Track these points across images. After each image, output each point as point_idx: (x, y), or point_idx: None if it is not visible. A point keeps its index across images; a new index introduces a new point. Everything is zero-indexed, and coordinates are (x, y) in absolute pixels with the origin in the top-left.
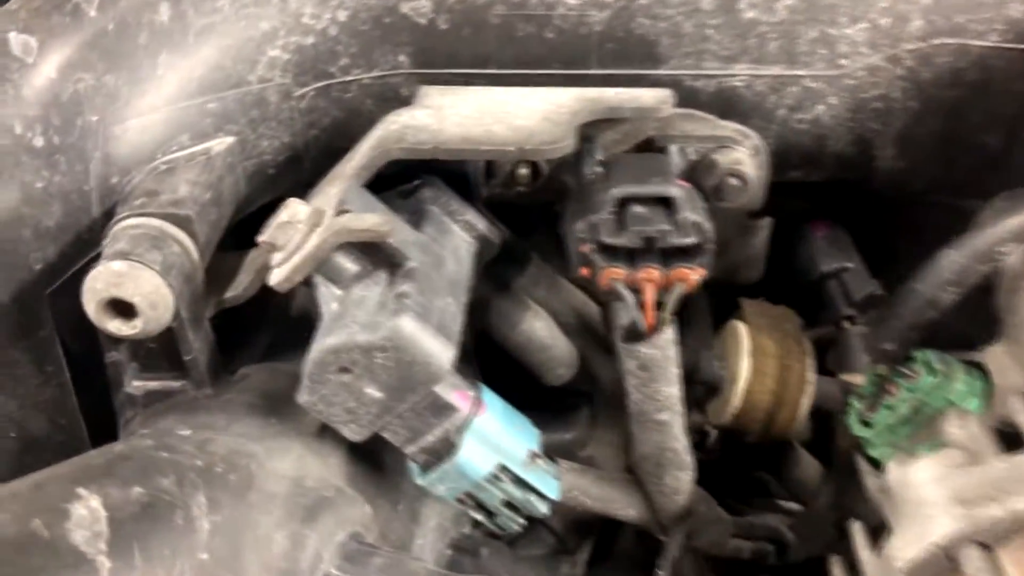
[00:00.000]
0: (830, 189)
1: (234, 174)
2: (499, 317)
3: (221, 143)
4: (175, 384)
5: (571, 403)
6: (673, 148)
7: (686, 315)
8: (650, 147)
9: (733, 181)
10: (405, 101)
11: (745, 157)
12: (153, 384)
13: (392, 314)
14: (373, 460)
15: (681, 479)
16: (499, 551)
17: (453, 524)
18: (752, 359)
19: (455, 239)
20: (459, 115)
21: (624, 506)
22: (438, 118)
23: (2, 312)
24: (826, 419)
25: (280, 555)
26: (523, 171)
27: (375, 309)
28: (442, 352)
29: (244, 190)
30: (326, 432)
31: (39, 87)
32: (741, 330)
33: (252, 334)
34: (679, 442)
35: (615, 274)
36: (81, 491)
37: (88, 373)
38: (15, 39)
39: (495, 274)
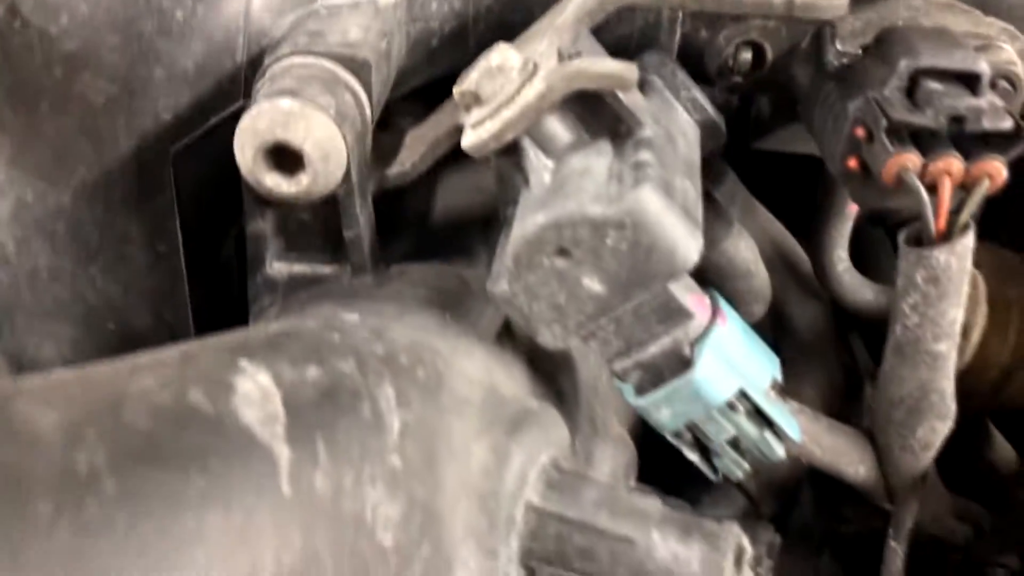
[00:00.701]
0: None
1: (401, 33)
2: None
3: None
4: (327, 269)
5: None
6: None
7: None
8: None
9: (1004, 84)
10: None
11: (1016, 58)
12: (301, 267)
13: (633, 183)
14: (552, 382)
15: (937, 431)
16: (679, 509)
17: (624, 474)
18: (990, 309)
19: (681, 118)
20: None
21: (854, 462)
22: None
23: (120, 168)
24: None
25: (480, 471)
26: (744, 56)
27: (605, 181)
28: (689, 238)
29: (405, 58)
30: (506, 340)
31: None
32: (976, 276)
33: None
34: (948, 383)
35: (908, 162)
36: (244, 364)
37: (204, 263)
38: None
39: None
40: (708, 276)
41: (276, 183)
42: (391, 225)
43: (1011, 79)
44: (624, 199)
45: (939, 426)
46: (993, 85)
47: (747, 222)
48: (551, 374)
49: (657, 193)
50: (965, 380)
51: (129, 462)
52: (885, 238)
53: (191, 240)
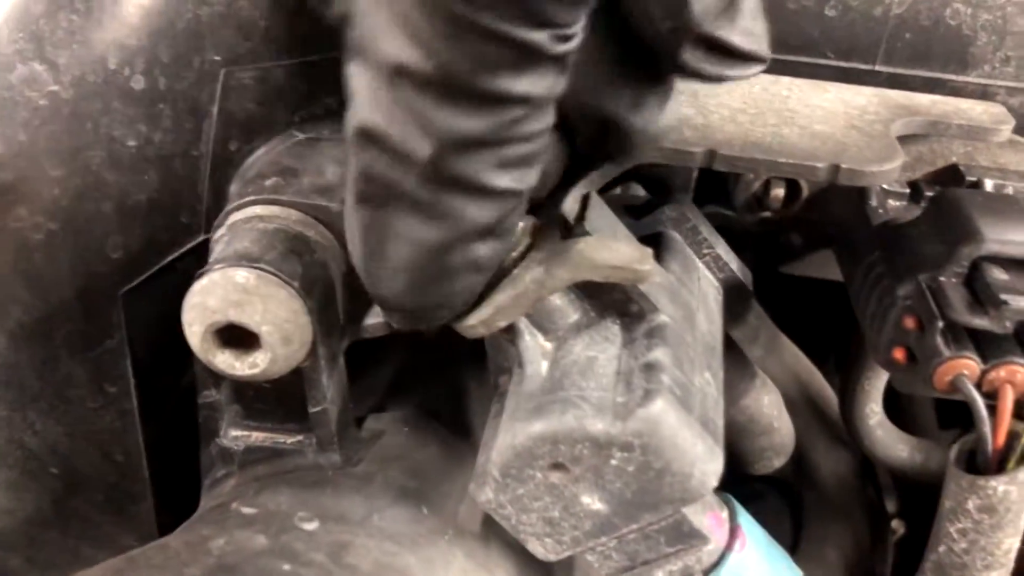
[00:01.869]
0: None
1: None
2: None
3: None
4: (288, 440)
5: (758, 494)
6: (989, 185)
7: None
8: (952, 179)
9: None
10: None
11: None
12: (258, 437)
13: (643, 396)
14: (542, 572)
15: None
16: None
17: None
18: None
19: (703, 283)
20: (727, 108)
21: None
22: (698, 107)
23: (62, 311)
24: None
25: None
26: (777, 191)
27: (612, 382)
28: (709, 460)
29: None
30: (491, 531)
31: (147, 6)
32: None
33: (370, 364)
34: None
35: (964, 368)
36: None
37: (160, 402)
38: None
39: None
40: (728, 434)
41: (229, 365)
42: (373, 348)
43: None
44: (633, 416)
45: None
46: None
47: (771, 360)
48: (544, 564)
49: (672, 408)
50: None
51: None
52: None
53: (145, 378)
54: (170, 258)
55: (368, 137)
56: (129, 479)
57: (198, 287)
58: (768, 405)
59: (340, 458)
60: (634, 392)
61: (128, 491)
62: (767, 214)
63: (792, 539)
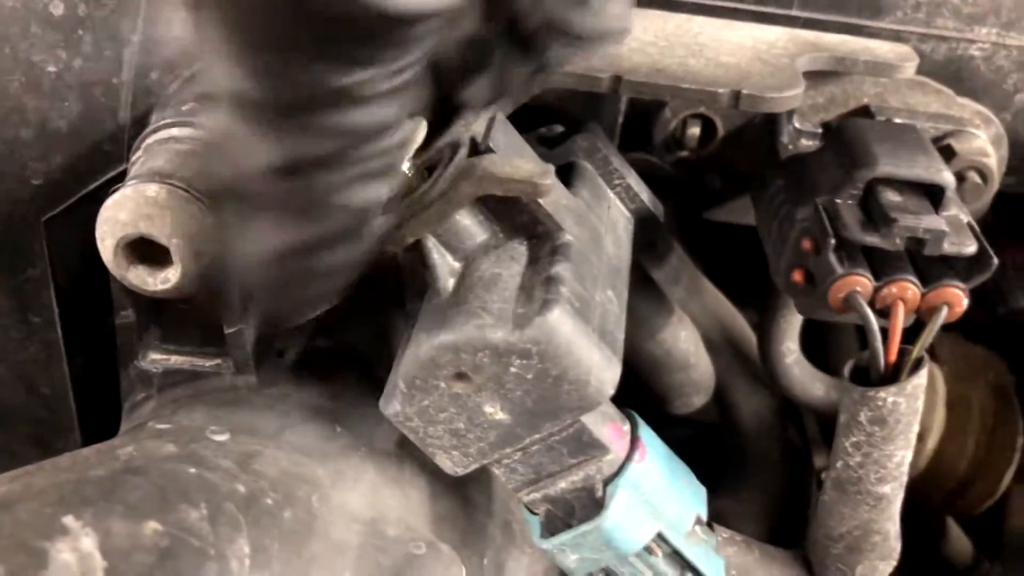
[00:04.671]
0: None
1: None
2: (634, 321)
3: None
4: (206, 363)
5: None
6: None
7: None
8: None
9: (975, 177)
10: None
11: (988, 147)
12: (177, 360)
13: (541, 306)
14: (458, 492)
15: (879, 570)
16: None
17: None
18: (949, 412)
19: (613, 211)
20: (637, 40)
21: None
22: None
23: None
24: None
25: None
26: (693, 130)
27: (513, 296)
28: (605, 368)
29: None
30: (404, 450)
31: None
32: (936, 374)
33: None
34: (893, 524)
35: (857, 284)
36: (69, 522)
37: (85, 331)
38: None
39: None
40: (645, 367)
41: (141, 279)
42: None
43: (982, 171)
44: (531, 324)
45: (881, 566)
46: (961, 178)
47: (693, 301)
48: (459, 482)
49: (568, 317)
50: (919, 488)
51: None
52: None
53: (70, 309)
54: (92, 186)
55: (215, 148)
56: (55, 412)
57: (110, 202)
58: (685, 340)
59: (255, 379)
60: (533, 303)
61: (54, 424)
62: (685, 154)
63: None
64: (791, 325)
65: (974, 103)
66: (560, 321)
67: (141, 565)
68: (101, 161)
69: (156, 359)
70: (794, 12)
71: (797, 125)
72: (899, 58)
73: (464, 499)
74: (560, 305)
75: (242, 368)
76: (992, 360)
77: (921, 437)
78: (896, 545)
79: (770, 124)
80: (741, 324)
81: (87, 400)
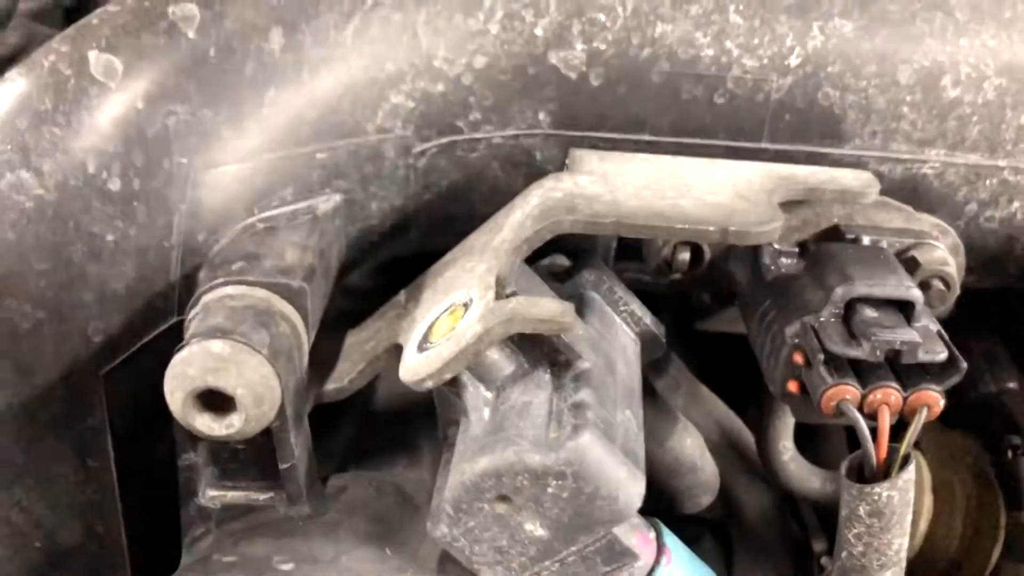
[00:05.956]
0: (993, 298)
1: (339, 240)
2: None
3: (328, 201)
4: (261, 496)
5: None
6: (866, 241)
7: None
8: (834, 238)
9: (938, 284)
10: (537, 167)
11: (948, 256)
12: (235, 495)
13: (572, 431)
14: None
15: None
16: None
17: None
18: (935, 496)
19: (621, 336)
20: (632, 185)
21: None
22: (608, 187)
23: (47, 393)
24: None
25: None
26: (683, 256)
27: (544, 422)
28: (631, 483)
29: (346, 255)
30: (447, 566)
31: (120, 118)
32: (921, 463)
33: (330, 429)
34: None
35: (846, 393)
36: None
37: (136, 474)
38: (95, 59)
39: None
40: (656, 473)
41: (207, 426)
42: (332, 415)
43: (944, 279)
44: (564, 448)
45: None
46: (926, 286)
47: (692, 407)
48: None
49: (597, 440)
50: (914, 570)
51: None
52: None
53: (123, 451)
54: (145, 339)
55: None
56: (108, 549)
57: (179, 358)
58: (691, 446)
59: (309, 509)
60: (564, 428)
61: (107, 561)
62: (677, 276)
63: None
64: (786, 426)
65: (931, 217)
66: (590, 444)
67: None
68: (154, 317)
69: (214, 495)
70: (764, 144)
71: (776, 247)
72: (863, 185)
73: None
74: (589, 429)
75: (295, 499)
76: (969, 445)
77: (913, 521)
78: None
79: (753, 248)
80: (739, 426)
81: (136, 536)
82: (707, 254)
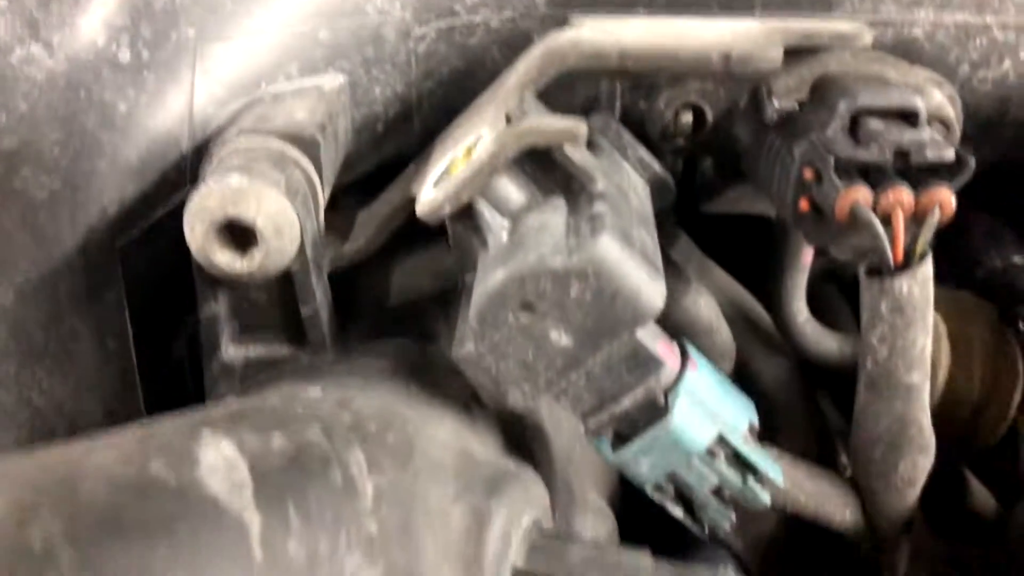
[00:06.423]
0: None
1: (346, 117)
2: None
3: (333, 80)
4: (285, 350)
5: None
6: None
7: None
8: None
9: (939, 127)
10: None
11: (946, 103)
12: (257, 350)
13: (591, 234)
14: (523, 450)
15: (919, 466)
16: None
17: (607, 543)
18: (953, 347)
19: (630, 177)
20: (634, 32)
21: (839, 506)
22: (611, 33)
23: (66, 265)
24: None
25: (461, 535)
26: (685, 119)
27: (563, 235)
28: (652, 283)
29: (351, 143)
30: (475, 410)
31: None
32: (936, 318)
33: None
34: (925, 415)
35: (859, 196)
36: (207, 435)
37: (156, 355)
38: None
39: None
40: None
41: (228, 261)
42: (348, 308)
43: (944, 121)
44: (584, 249)
45: (921, 460)
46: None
47: (703, 282)
48: (523, 443)
49: (616, 241)
50: (937, 421)
51: (87, 534)
52: (840, 294)
53: (142, 334)
54: (161, 212)
55: None
56: None
57: (199, 193)
58: (705, 307)
59: (333, 356)
60: (583, 235)
61: None
62: (681, 142)
63: None
64: (798, 287)
65: (926, 70)
66: (610, 243)
67: (276, 465)
68: (168, 189)
69: (237, 351)
70: (755, 14)
71: (776, 104)
72: (856, 29)
73: (531, 456)
74: (608, 231)
75: (319, 347)
76: (982, 303)
77: (932, 372)
78: (931, 438)
79: (755, 109)
80: (750, 299)
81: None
82: (709, 116)
